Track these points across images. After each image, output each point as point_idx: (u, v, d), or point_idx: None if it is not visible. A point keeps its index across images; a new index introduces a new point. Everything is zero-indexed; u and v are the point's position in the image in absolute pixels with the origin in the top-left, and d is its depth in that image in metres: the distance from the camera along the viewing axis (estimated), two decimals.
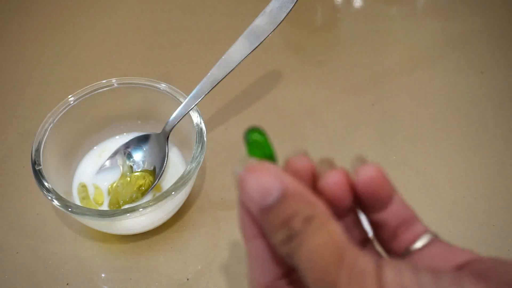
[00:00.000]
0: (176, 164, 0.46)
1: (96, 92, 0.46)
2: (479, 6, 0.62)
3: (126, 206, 0.43)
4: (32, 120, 0.52)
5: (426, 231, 0.24)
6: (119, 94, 0.47)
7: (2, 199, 0.47)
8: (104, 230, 0.43)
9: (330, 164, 0.24)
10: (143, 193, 0.44)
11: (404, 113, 0.52)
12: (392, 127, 0.51)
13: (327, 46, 0.60)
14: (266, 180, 0.21)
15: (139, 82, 0.46)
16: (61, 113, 0.44)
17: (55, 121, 0.44)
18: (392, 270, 0.20)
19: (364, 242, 0.26)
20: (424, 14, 0.62)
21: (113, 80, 0.46)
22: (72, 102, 0.45)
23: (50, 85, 0.56)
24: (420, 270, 0.20)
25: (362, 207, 0.25)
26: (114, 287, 0.42)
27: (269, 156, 0.23)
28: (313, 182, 0.24)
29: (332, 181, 0.23)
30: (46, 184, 0.40)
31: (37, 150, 0.42)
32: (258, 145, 0.23)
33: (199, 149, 0.42)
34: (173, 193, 0.39)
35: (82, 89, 0.46)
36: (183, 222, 0.45)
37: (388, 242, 0.25)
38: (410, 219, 0.24)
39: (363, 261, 0.20)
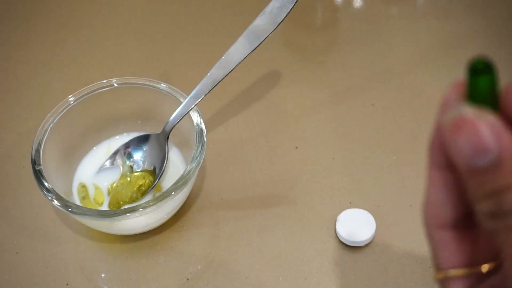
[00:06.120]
0: (176, 164, 0.46)
1: (96, 92, 0.46)
2: (479, 6, 0.62)
3: (126, 206, 0.43)
4: (32, 120, 0.52)
5: None
6: (119, 94, 0.47)
7: (2, 199, 0.47)
8: (104, 230, 0.43)
9: None
10: (143, 193, 0.44)
11: (404, 113, 0.52)
12: (392, 127, 0.51)
13: (327, 46, 0.60)
14: (483, 137, 0.18)
15: (139, 82, 0.46)
16: (61, 113, 0.44)
17: (55, 121, 0.44)
18: None
19: None
20: (424, 14, 0.62)
21: (113, 80, 0.46)
22: (72, 102, 0.45)
23: (50, 85, 0.56)
24: None
25: None
26: (114, 287, 0.42)
27: (493, 105, 0.19)
28: None
29: None
30: (46, 184, 0.40)
31: (37, 150, 0.42)
32: (482, 89, 0.19)
33: (199, 149, 0.42)
34: (173, 193, 0.39)
35: (82, 89, 0.46)
36: (183, 222, 0.45)
37: None
38: None
39: None
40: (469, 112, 0.18)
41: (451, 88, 0.20)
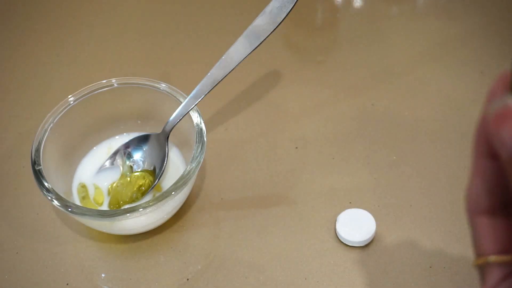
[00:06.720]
0: (176, 164, 0.46)
1: (96, 92, 0.46)
2: (479, 6, 0.62)
3: (126, 206, 0.43)
4: (32, 120, 0.52)
5: None
6: (119, 94, 0.47)
7: (2, 199, 0.47)
8: (104, 230, 0.43)
9: None
10: (143, 193, 0.44)
11: (404, 113, 0.52)
12: (392, 127, 0.51)
13: (327, 46, 0.60)
14: None
15: (139, 82, 0.46)
16: (61, 113, 0.44)
17: (55, 121, 0.44)
18: None
19: None
20: (424, 14, 0.62)
21: (113, 80, 0.46)
22: (72, 102, 0.45)
23: (50, 85, 0.56)
24: None
25: None
26: (114, 287, 0.42)
27: None
28: None
29: None
30: (46, 184, 0.40)
31: (37, 150, 0.42)
32: None
33: (199, 149, 0.42)
34: (173, 193, 0.39)
35: (82, 89, 0.46)
36: (183, 222, 0.45)
37: None
38: None
39: None
40: None
41: (498, 80, 0.20)
